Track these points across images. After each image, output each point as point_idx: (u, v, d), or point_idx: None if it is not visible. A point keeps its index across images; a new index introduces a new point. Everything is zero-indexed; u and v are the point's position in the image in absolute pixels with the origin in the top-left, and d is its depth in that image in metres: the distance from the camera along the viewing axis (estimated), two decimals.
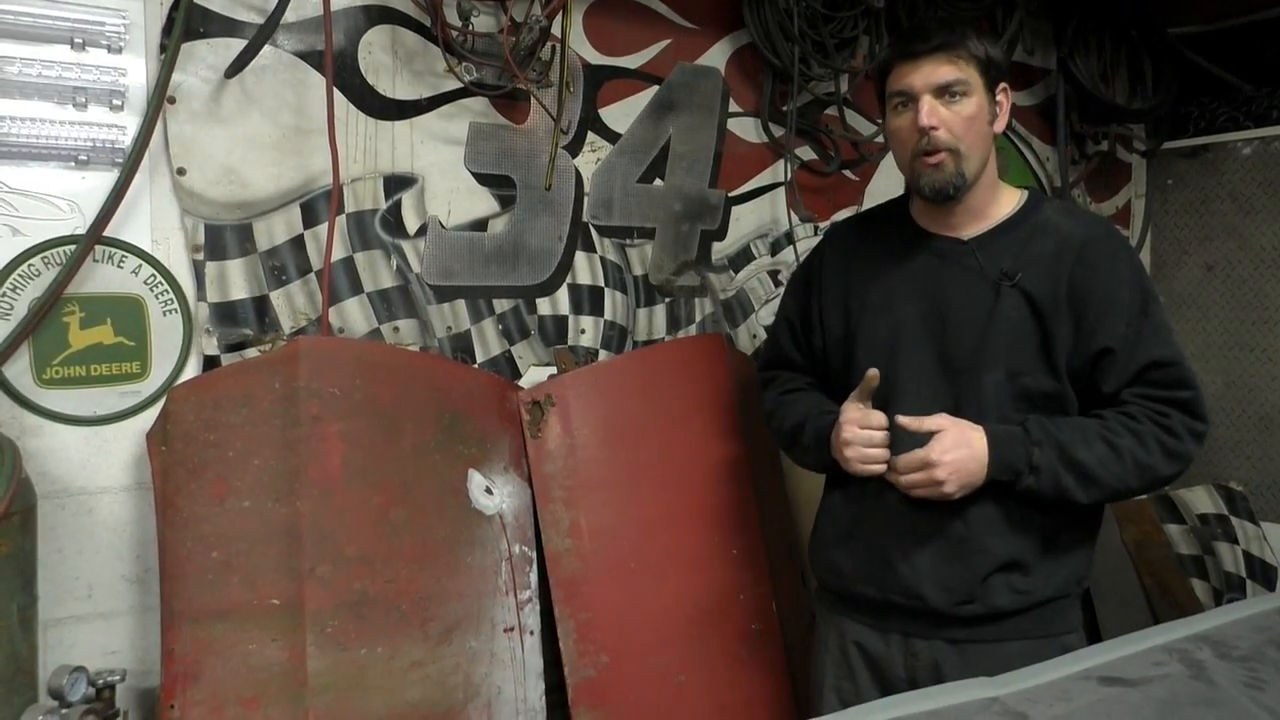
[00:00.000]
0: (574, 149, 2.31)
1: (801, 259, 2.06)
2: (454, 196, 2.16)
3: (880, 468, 1.62)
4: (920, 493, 1.57)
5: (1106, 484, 1.56)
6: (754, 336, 2.62)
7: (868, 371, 1.61)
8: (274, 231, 1.95)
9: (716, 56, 2.53)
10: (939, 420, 1.56)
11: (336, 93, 1.96)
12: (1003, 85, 1.65)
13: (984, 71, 1.60)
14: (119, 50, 1.78)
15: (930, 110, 1.56)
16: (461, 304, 2.18)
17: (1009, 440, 1.55)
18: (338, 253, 2.01)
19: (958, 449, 1.53)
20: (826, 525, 1.81)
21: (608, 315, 2.39)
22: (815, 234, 2.70)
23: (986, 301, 1.62)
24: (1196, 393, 1.62)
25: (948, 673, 1.61)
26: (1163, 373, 1.60)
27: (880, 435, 1.62)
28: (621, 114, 2.38)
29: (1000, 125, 1.66)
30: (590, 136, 2.33)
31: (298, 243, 1.97)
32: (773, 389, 1.92)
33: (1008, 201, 1.70)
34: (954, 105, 1.58)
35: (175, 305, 1.86)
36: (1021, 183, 3.08)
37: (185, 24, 1.80)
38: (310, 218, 1.98)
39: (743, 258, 2.62)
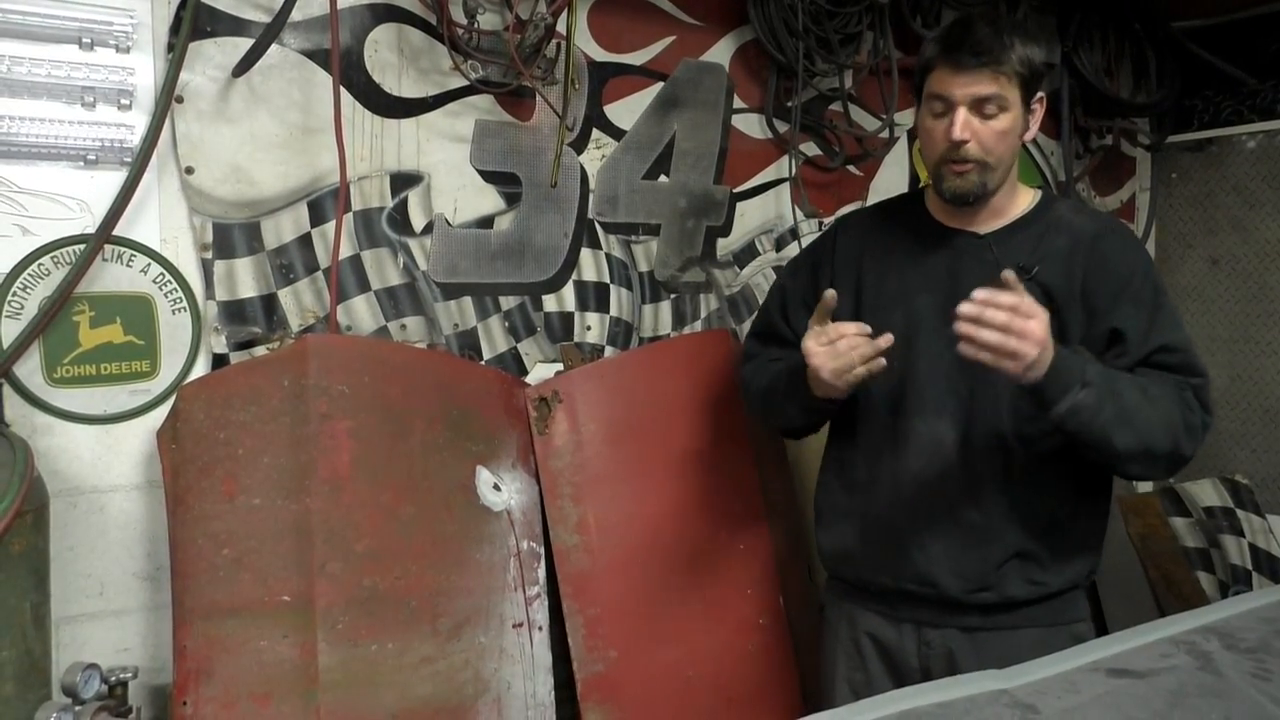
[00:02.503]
0: (579, 146, 2.32)
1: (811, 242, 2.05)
2: (460, 194, 2.16)
3: (869, 367, 1.50)
4: (1004, 347, 1.38)
5: (1139, 427, 1.49)
6: None
7: (825, 293, 1.53)
8: (281, 230, 1.96)
9: (721, 53, 2.53)
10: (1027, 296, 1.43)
11: (343, 91, 1.97)
12: (1039, 95, 1.63)
13: (1024, 86, 1.58)
14: (127, 50, 1.78)
15: (964, 124, 1.55)
16: (468, 301, 2.19)
17: (1068, 354, 1.48)
18: (345, 251, 2.02)
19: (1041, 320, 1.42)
20: (834, 514, 1.81)
21: (613, 312, 2.39)
22: (819, 229, 2.70)
23: None
24: (1205, 380, 1.63)
25: (962, 661, 1.63)
26: (1174, 357, 1.61)
27: (852, 329, 1.53)
28: (626, 111, 2.38)
29: (1030, 135, 1.65)
30: (595, 133, 2.34)
31: (305, 241, 1.98)
32: (751, 364, 1.90)
33: (1023, 199, 1.72)
34: (989, 120, 1.56)
35: (184, 304, 1.87)
36: (1026, 177, 3.07)
37: (193, 23, 1.81)
38: (317, 216, 1.99)
39: (747, 254, 2.62)
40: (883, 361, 1.52)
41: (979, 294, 1.41)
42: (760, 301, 2.63)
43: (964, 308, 1.41)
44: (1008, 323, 1.39)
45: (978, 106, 1.56)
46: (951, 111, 1.57)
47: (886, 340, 1.52)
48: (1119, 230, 1.70)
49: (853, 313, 1.76)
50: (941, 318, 1.65)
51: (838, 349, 1.53)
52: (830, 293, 1.55)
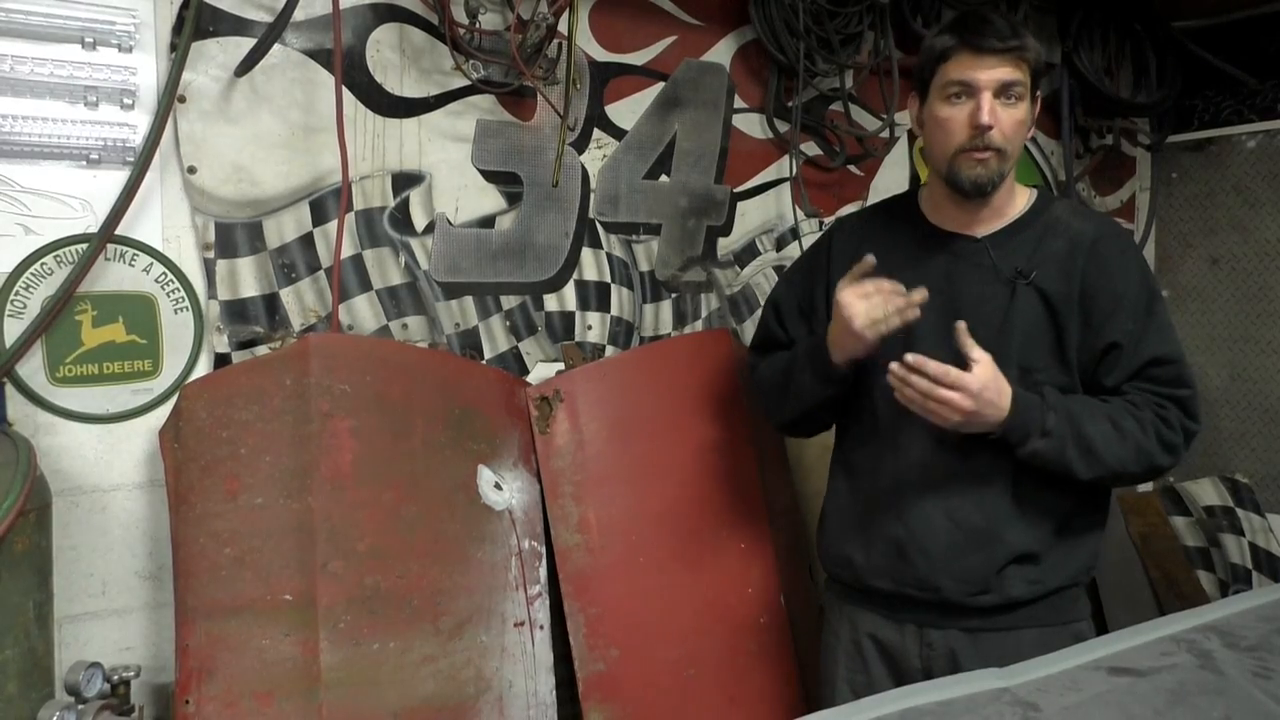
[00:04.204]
0: (580, 146, 2.32)
1: (806, 248, 2.06)
2: (462, 193, 2.17)
3: (902, 315, 1.56)
4: (925, 407, 1.52)
5: (1106, 462, 1.57)
6: None
7: (866, 258, 1.58)
8: (284, 229, 1.96)
9: (722, 53, 2.53)
10: (984, 354, 1.54)
11: (345, 91, 1.97)
12: (1037, 93, 1.65)
13: (1034, 78, 1.61)
14: (129, 49, 1.79)
15: (991, 109, 1.56)
16: (469, 300, 2.19)
17: (1028, 403, 1.55)
18: (347, 250, 2.02)
19: (989, 391, 1.52)
20: (836, 517, 1.82)
21: (614, 311, 2.40)
22: (820, 229, 2.70)
23: (1002, 299, 1.63)
24: (1194, 393, 1.65)
25: (964, 661, 1.63)
26: (1163, 370, 1.63)
27: (887, 286, 1.57)
28: (627, 110, 2.38)
29: (1030, 131, 1.67)
30: (596, 133, 2.34)
31: (307, 240, 1.98)
32: (757, 371, 1.93)
33: (1020, 199, 1.72)
34: (1009, 107, 1.58)
35: (186, 303, 1.87)
36: (1027, 177, 3.08)
37: (195, 23, 1.81)
38: (319, 215, 1.99)
39: (748, 253, 2.63)
40: (917, 311, 1.57)
41: (910, 359, 1.53)
42: (761, 301, 2.63)
43: (893, 367, 1.54)
44: (928, 390, 1.51)
45: (1000, 93, 1.57)
46: (975, 97, 1.57)
47: (921, 295, 1.56)
48: (1116, 234, 1.70)
49: None
50: (939, 323, 1.66)
51: (872, 301, 1.57)
52: (870, 257, 1.58)
